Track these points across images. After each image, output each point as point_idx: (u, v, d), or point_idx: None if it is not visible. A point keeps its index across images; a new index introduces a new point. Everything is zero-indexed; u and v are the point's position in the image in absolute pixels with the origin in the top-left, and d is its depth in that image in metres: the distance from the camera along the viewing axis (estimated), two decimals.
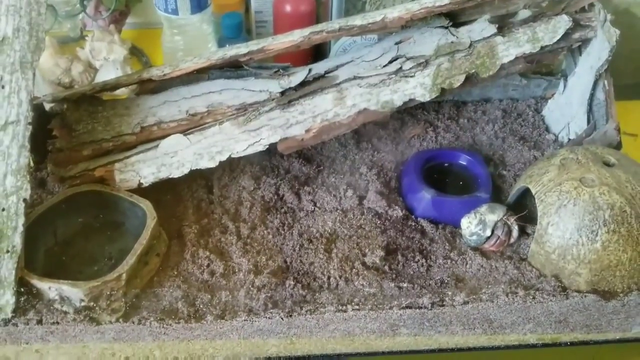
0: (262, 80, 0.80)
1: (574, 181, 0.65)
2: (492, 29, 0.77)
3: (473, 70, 0.76)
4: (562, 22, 0.76)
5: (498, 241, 0.71)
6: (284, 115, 0.76)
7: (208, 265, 0.70)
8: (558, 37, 0.76)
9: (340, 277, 0.69)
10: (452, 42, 0.77)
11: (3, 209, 0.63)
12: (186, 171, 0.74)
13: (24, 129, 0.65)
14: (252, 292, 0.67)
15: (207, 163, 0.75)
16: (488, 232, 0.71)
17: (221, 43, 1.02)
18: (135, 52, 1.10)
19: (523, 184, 0.71)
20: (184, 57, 1.03)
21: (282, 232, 0.75)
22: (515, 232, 0.72)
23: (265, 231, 0.75)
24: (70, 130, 0.76)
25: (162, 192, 0.78)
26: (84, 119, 0.77)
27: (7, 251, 0.62)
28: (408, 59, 0.77)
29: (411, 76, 0.76)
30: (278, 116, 0.76)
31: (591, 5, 0.80)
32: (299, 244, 0.73)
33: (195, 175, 0.80)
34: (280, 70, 0.81)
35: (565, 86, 0.85)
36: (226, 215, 0.77)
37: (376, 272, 0.70)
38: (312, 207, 0.78)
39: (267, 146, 0.75)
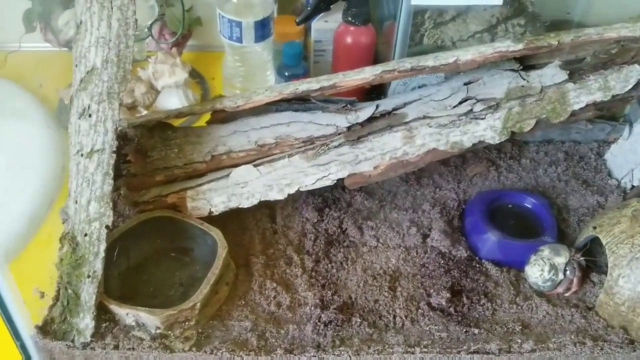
0: (329, 114, 0.81)
1: None
2: (564, 75, 0.77)
3: (544, 116, 0.76)
4: (635, 72, 0.77)
5: (570, 283, 0.71)
6: (353, 151, 0.77)
7: (275, 297, 0.71)
8: (630, 86, 0.76)
9: (406, 317, 0.70)
10: (522, 86, 0.77)
11: (86, 234, 0.65)
12: (255, 202, 0.76)
13: (109, 157, 0.67)
14: (319, 327, 0.68)
15: (276, 195, 0.76)
16: (561, 276, 0.71)
17: (280, 70, 1.04)
18: (195, 75, 1.13)
19: (592, 232, 0.71)
20: (243, 83, 1.06)
21: (346, 266, 0.76)
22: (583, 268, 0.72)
23: (329, 265, 0.76)
24: (145, 156, 0.78)
25: (227, 220, 0.79)
26: (158, 146, 0.79)
27: (89, 276, 0.64)
28: (478, 100, 0.77)
29: (482, 118, 0.76)
30: (347, 152, 0.77)
31: None
32: (363, 280, 0.74)
33: (259, 204, 0.81)
34: (348, 105, 0.82)
35: (630, 132, 0.85)
36: (290, 246, 0.78)
37: (442, 313, 0.70)
38: (375, 243, 0.79)
39: (335, 181, 0.76)
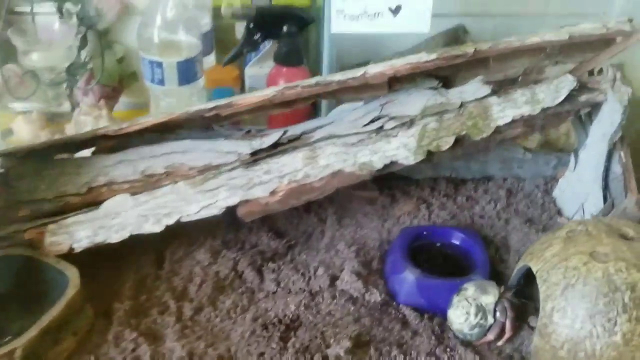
0: (232, 141, 0.71)
1: (583, 255, 0.52)
2: (487, 89, 0.68)
3: (464, 132, 0.66)
4: (566, 83, 0.67)
5: (502, 328, 0.57)
6: (246, 174, 0.66)
7: (133, 350, 0.58)
8: (561, 97, 0.66)
9: None
10: (440, 103, 0.68)
11: None
12: (126, 235, 0.64)
13: None
14: None
15: (152, 227, 0.64)
16: (490, 319, 0.57)
17: None
18: None
19: (523, 262, 0.58)
20: None
21: (233, 315, 0.63)
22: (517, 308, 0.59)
23: (212, 313, 0.63)
24: (9, 187, 0.67)
25: (104, 262, 0.67)
26: (28, 177, 0.68)
27: None
28: (391, 118, 0.68)
29: (393, 136, 0.66)
30: (239, 175, 0.66)
31: (600, 71, 0.71)
32: (251, 330, 0.60)
33: (147, 247, 0.70)
34: (253, 130, 0.72)
35: (576, 162, 0.74)
36: (170, 292, 0.65)
37: None
38: (275, 288, 0.66)
39: (224, 209, 0.65)
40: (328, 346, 0.58)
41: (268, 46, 0.99)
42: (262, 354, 0.58)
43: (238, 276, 0.67)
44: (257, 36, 0.95)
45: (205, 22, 0.99)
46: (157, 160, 0.70)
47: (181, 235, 0.72)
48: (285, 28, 0.94)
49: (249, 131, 0.72)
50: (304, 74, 0.94)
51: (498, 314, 0.58)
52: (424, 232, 0.70)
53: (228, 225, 0.73)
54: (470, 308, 0.58)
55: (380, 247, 0.71)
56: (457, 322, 0.59)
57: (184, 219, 0.64)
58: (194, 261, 0.69)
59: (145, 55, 0.93)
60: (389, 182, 0.81)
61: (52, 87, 1.03)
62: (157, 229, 0.64)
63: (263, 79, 0.98)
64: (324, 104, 0.87)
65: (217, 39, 1.04)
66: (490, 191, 0.80)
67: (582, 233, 0.55)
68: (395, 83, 0.71)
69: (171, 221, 0.64)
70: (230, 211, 0.70)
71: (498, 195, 0.79)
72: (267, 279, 0.67)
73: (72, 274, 0.60)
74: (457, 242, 0.69)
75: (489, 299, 0.58)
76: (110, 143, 0.72)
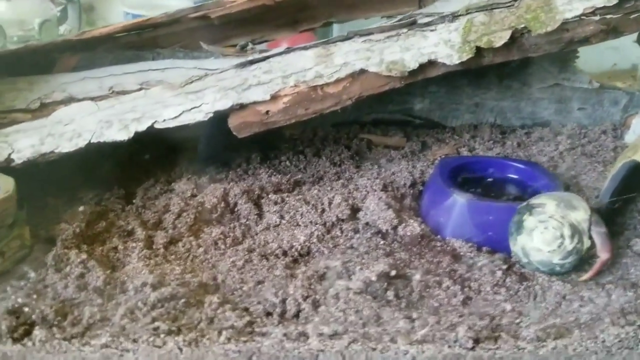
0: (223, 59, 0.58)
1: None
2: None
3: (522, 26, 0.52)
4: None
5: (608, 250, 0.41)
6: (240, 74, 0.51)
7: (81, 276, 0.41)
8: None
9: (305, 298, 0.39)
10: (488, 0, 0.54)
11: None
12: (82, 144, 0.49)
13: None
14: (140, 310, 0.37)
15: (118, 134, 0.49)
16: (587, 242, 0.41)
17: None
18: None
19: (621, 162, 0.43)
20: None
21: (222, 246, 0.46)
22: None
23: (194, 243, 0.46)
24: None
25: (59, 194, 0.52)
26: None
27: None
28: (427, 16, 0.54)
29: (431, 30, 0.52)
30: (232, 76, 0.51)
31: None
32: (245, 259, 0.44)
33: (113, 184, 0.54)
34: (250, 44, 0.59)
35: None
36: (137, 221, 0.49)
37: (370, 297, 0.39)
38: (278, 220, 0.50)
39: (212, 114, 0.50)
40: (352, 273, 0.41)
41: None
42: (260, 282, 0.41)
43: (229, 208, 0.51)
44: None
45: None
46: (130, 77, 0.56)
47: (157, 173, 0.57)
48: None
49: (245, 46, 0.59)
50: (308, 37, 0.81)
51: (598, 233, 0.41)
52: (470, 163, 0.55)
53: (218, 166, 0.58)
54: (563, 229, 0.41)
55: (413, 186, 0.55)
56: (545, 251, 0.42)
57: (159, 125, 0.49)
58: (172, 193, 0.53)
59: (129, 10, 0.84)
60: (417, 130, 0.66)
61: (19, 44, 0.90)
62: (124, 136, 0.49)
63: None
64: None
65: None
66: (546, 138, 0.64)
67: None
68: None
69: (142, 127, 0.49)
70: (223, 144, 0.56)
71: (557, 140, 0.63)
72: (267, 212, 0.50)
73: (5, 181, 0.44)
74: (515, 176, 0.54)
75: (580, 214, 0.42)
76: (73, 61, 0.59)
